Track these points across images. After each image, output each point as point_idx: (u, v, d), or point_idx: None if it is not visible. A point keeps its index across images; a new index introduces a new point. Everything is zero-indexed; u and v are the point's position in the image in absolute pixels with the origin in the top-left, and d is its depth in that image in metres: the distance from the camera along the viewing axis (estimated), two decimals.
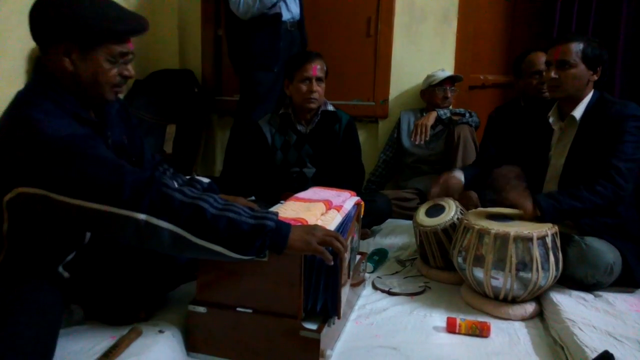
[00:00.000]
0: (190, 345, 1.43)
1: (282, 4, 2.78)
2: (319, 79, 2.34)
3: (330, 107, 2.47)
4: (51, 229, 1.26)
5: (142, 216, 1.15)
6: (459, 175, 2.14)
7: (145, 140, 1.66)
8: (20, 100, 1.25)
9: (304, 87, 2.32)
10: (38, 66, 1.30)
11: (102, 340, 1.32)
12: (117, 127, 1.47)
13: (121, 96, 1.40)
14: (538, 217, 1.75)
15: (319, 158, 2.45)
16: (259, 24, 2.76)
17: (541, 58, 2.40)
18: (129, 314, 1.43)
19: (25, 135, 1.16)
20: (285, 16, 2.81)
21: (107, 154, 1.21)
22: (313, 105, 2.37)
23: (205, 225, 1.18)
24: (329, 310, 1.41)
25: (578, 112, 1.91)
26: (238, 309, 1.38)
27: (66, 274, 1.34)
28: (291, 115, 2.43)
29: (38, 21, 1.25)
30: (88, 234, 1.35)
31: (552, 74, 1.89)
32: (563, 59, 1.86)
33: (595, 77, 1.90)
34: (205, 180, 1.84)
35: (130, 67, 1.34)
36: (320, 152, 2.44)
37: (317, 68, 2.32)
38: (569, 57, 1.85)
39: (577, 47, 1.86)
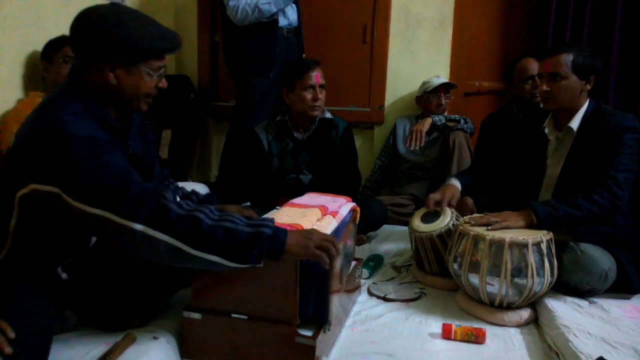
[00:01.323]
0: (184, 352, 1.42)
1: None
2: (321, 87, 2.34)
3: (328, 115, 2.47)
4: (57, 229, 1.28)
5: (138, 226, 1.16)
6: (456, 184, 2.15)
7: None
8: (50, 101, 1.28)
9: (308, 96, 2.32)
10: (74, 74, 1.33)
11: (96, 347, 1.31)
12: (136, 139, 1.50)
13: None
14: (534, 225, 1.76)
15: (315, 165, 2.45)
16: (255, 30, 2.76)
17: (532, 64, 2.42)
18: (124, 320, 1.42)
19: (47, 132, 1.19)
20: (282, 22, 2.82)
21: (121, 162, 1.23)
22: (317, 113, 2.37)
23: (202, 236, 1.18)
24: (319, 316, 1.40)
25: (575, 123, 1.91)
26: (233, 315, 1.37)
27: (64, 275, 1.35)
28: (288, 123, 2.43)
29: (83, 39, 1.29)
30: (94, 238, 1.36)
31: (544, 87, 1.89)
32: (553, 71, 1.86)
33: (589, 87, 1.90)
34: (204, 191, 1.84)
35: (164, 80, 1.40)
36: (316, 159, 2.44)
37: (319, 76, 2.33)
38: (559, 69, 1.86)
39: (567, 58, 1.86)
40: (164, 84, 1.40)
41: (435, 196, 2.07)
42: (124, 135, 1.39)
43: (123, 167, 1.22)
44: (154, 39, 1.30)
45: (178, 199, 1.35)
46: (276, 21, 2.78)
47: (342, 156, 2.47)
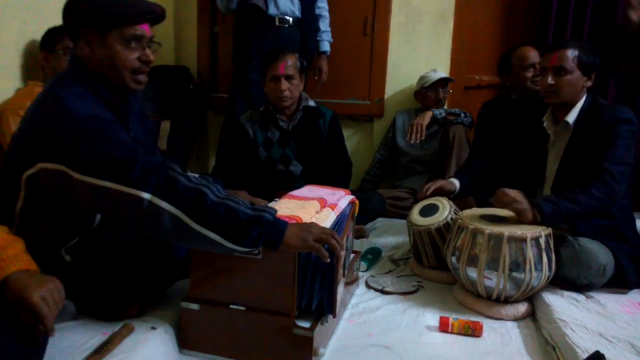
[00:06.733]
0: (182, 342, 1.43)
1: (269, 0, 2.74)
2: (288, 77, 2.30)
3: (312, 103, 2.46)
4: (63, 208, 1.29)
5: (146, 195, 1.18)
6: (454, 182, 2.17)
7: None
8: (54, 83, 1.31)
9: (273, 86, 2.31)
10: (73, 56, 1.37)
11: (94, 336, 1.31)
12: (136, 125, 1.51)
13: None
14: (538, 222, 1.73)
15: (304, 155, 2.44)
16: (244, 17, 2.74)
17: (531, 52, 2.47)
18: (121, 309, 1.42)
19: (53, 111, 1.22)
20: (272, 11, 2.74)
21: (126, 138, 1.27)
22: (285, 104, 2.36)
23: (205, 210, 1.20)
24: (324, 308, 1.41)
25: (571, 117, 1.92)
26: (231, 306, 1.38)
27: (68, 257, 1.37)
28: (272, 112, 2.42)
29: (65, 15, 1.33)
30: (97, 218, 1.37)
31: (549, 80, 1.89)
32: (560, 65, 1.87)
33: (590, 83, 1.91)
34: None
35: (148, 51, 1.37)
36: (305, 149, 2.43)
37: (284, 66, 2.28)
38: (565, 64, 1.86)
39: (572, 53, 1.86)
40: (147, 56, 1.36)
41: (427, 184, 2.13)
42: (125, 118, 1.40)
43: (129, 142, 1.25)
44: (119, 4, 1.30)
45: None
46: (258, 8, 2.70)
47: (331, 145, 2.47)
